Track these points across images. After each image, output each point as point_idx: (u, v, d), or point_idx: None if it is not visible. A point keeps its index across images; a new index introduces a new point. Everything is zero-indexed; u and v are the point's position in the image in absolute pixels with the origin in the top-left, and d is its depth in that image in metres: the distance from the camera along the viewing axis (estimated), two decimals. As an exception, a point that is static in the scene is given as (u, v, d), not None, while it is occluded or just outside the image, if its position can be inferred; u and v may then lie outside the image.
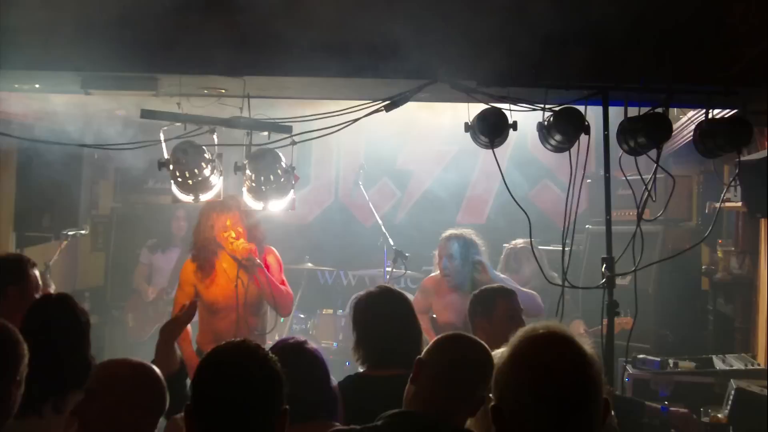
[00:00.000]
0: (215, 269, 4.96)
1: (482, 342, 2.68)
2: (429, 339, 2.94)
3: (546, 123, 4.04)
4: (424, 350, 2.65)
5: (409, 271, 6.31)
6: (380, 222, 6.58)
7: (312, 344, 2.95)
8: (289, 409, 2.06)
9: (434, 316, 5.31)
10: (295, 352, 2.82)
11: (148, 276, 7.06)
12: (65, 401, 2.88)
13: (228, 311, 4.92)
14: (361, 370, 3.41)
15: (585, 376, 1.66)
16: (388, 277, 6.35)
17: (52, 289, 3.64)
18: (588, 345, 1.71)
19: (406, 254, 6.17)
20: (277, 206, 4.48)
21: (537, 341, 1.70)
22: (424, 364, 2.58)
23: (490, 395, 1.74)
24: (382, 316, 3.43)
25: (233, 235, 4.86)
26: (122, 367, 2.51)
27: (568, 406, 1.63)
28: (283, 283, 5.10)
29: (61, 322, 3.09)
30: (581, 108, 3.94)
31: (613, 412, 2.79)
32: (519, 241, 6.06)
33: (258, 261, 4.84)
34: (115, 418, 2.40)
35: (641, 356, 4.96)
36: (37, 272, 3.68)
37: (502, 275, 5.25)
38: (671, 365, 4.89)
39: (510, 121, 3.97)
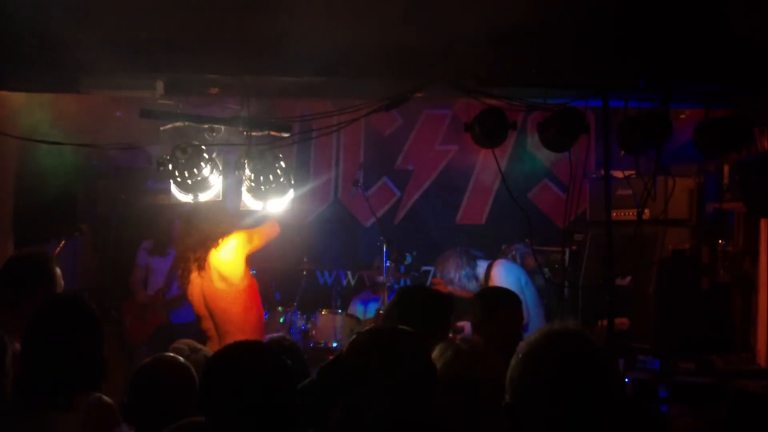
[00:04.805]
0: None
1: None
2: None
3: (546, 123, 4.04)
4: None
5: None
6: (379, 222, 6.57)
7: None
8: None
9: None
10: None
11: (145, 278, 7.03)
12: (76, 399, 2.87)
13: None
14: None
15: (598, 372, 1.67)
16: (387, 276, 6.33)
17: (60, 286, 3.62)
18: (600, 342, 1.72)
19: (406, 254, 6.17)
20: (276, 206, 4.48)
21: (549, 338, 1.71)
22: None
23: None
24: None
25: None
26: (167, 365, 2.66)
27: (580, 402, 1.64)
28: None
29: (72, 322, 3.05)
30: (581, 108, 3.95)
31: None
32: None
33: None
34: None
35: (641, 356, 4.95)
36: (58, 270, 3.65)
37: None
38: (671, 365, 4.88)
39: (510, 121, 3.97)
